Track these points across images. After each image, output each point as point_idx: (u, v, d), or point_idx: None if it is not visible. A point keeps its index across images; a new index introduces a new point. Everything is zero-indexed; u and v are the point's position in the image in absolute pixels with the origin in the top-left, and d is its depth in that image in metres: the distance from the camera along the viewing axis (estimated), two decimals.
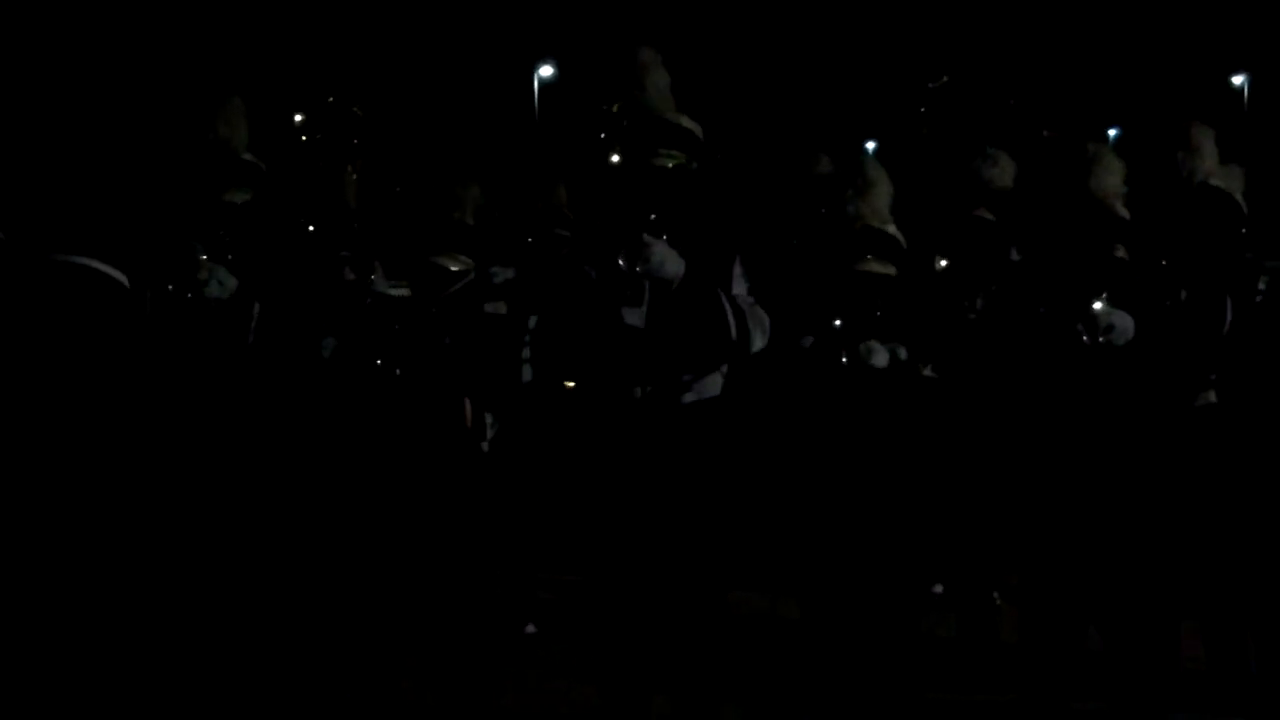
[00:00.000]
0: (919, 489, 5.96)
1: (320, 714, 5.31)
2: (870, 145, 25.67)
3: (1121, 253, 5.33)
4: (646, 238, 4.58)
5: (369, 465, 5.95)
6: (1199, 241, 5.41)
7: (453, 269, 6.44)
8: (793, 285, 6.33)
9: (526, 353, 6.33)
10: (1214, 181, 5.54)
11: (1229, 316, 5.34)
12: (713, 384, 4.74)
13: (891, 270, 5.84)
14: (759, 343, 4.74)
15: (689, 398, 4.68)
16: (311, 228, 6.23)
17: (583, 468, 4.86)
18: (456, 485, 6.22)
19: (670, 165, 4.68)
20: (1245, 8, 28.68)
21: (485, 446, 6.44)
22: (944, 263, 6.65)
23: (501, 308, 6.55)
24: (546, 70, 29.25)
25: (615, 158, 4.68)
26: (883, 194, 5.95)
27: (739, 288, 4.74)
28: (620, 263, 4.56)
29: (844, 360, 5.73)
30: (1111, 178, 5.39)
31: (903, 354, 5.89)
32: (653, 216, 4.63)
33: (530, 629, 6.58)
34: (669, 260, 4.57)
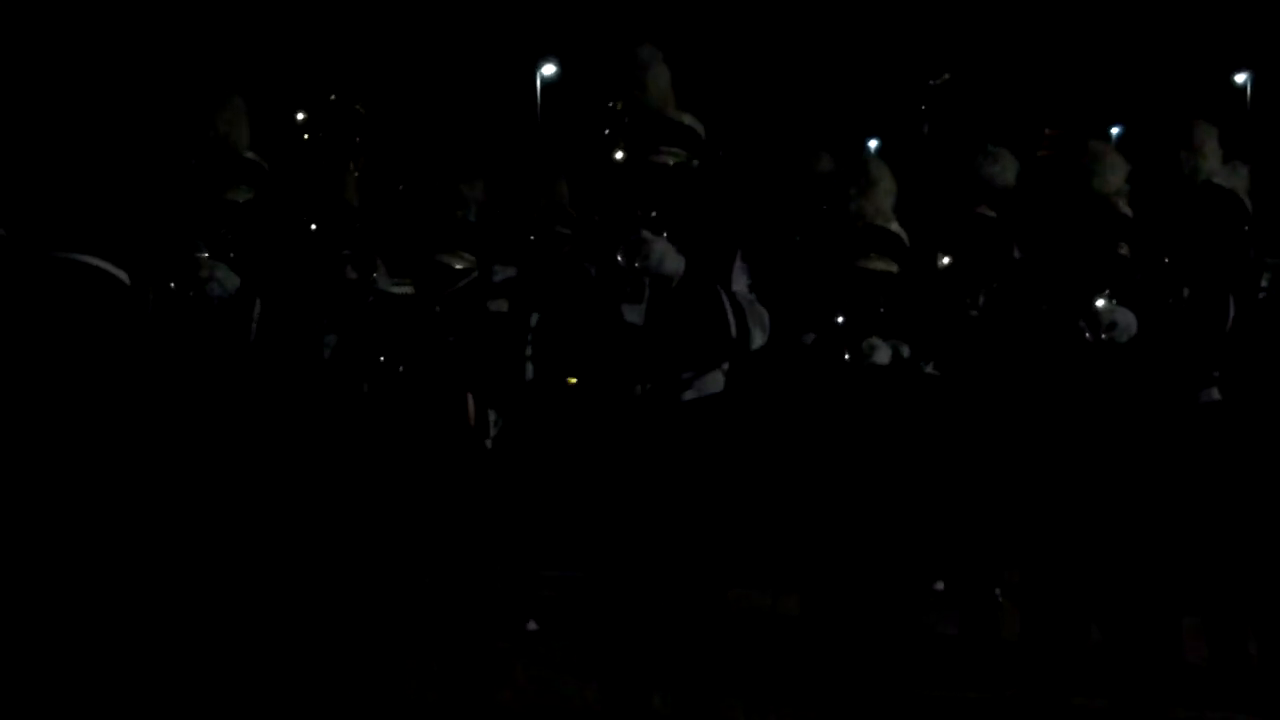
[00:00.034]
0: (921, 486, 5.96)
1: (322, 711, 5.31)
2: (873, 143, 25.67)
3: (1124, 250, 5.33)
4: (646, 234, 4.58)
5: (372, 463, 5.96)
6: (1201, 239, 5.41)
7: (457, 267, 6.44)
8: (795, 282, 6.33)
9: (529, 350, 6.33)
10: (1216, 179, 5.54)
11: (1231, 314, 5.34)
12: (714, 381, 4.74)
13: (894, 268, 5.84)
14: (759, 340, 4.74)
15: (690, 395, 4.68)
16: (313, 226, 6.23)
17: (585, 465, 4.86)
18: (459, 483, 6.22)
19: (671, 163, 4.68)
20: (1247, 6, 28.66)
21: (488, 444, 6.44)
22: (946, 260, 6.65)
23: (504, 306, 6.55)
24: (549, 69, 29.24)
25: (617, 155, 4.68)
26: (885, 192, 5.96)
27: (739, 285, 4.74)
28: (619, 259, 4.56)
29: (846, 357, 5.73)
30: (1114, 176, 5.39)
31: (905, 351, 5.90)
32: (653, 214, 4.63)
33: (532, 626, 6.58)
34: (668, 257, 4.57)
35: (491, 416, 6.37)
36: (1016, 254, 6.63)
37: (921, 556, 6.32)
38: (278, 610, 5.42)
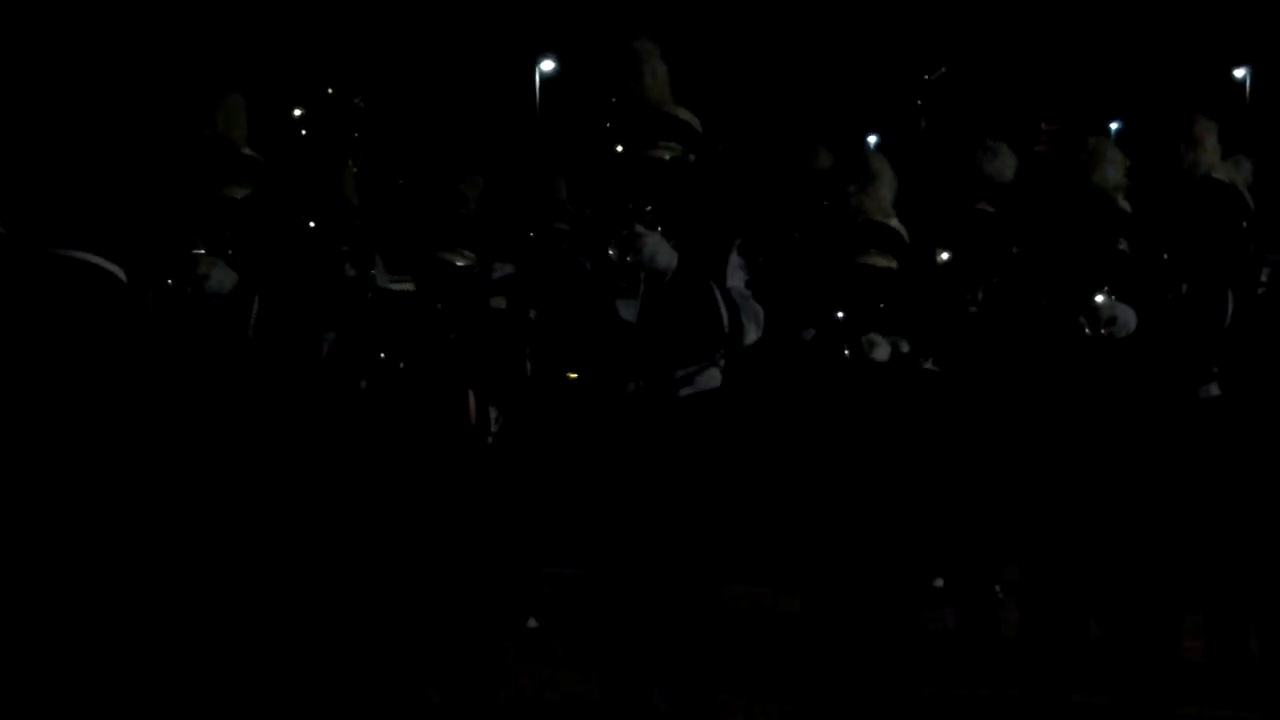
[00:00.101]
0: (920, 483, 5.96)
1: (323, 708, 5.31)
2: (872, 139, 25.68)
3: (1123, 246, 5.33)
4: (639, 229, 4.57)
5: (371, 460, 5.95)
6: (1200, 235, 5.40)
7: (458, 264, 6.43)
8: (795, 278, 6.33)
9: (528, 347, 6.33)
10: (1216, 174, 5.54)
11: (1230, 309, 5.34)
12: (711, 377, 4.73)
13: (893, 263, 5.83)
14: (752, 335, 4.73)
15: (688, 390, 4.67)
16: (312, 223, 6.22)
17: (585, 462, 4.85)
18: (459, 480, 6.21)
19: (667, 157, 4.67)
20: (1247, 1, 28.66)
21: (489, 441, 6.43)
22: (945, 256, 6.64)
23: (503, 303, 6.55)
24: (548, 65, 29.24)
25: (614, 149, 4.67)
26: (885, 188, 5.95)
27: (736, 280, 4.73)
28: (611, 253, 4.55)
29: (846, 353, 5.72)
30: (1113, 171, 5.39)
31: (904, 347, 5.89)
32: (648, 209, 4.62)
33: (532, 623, 6.58)
34: (661, 252, 4.56)
35: (493, 414, 6.36)
36: (1015, 250, 6.62)
37: (921, 553, 6.31)
38: (278, 608, 5.41)
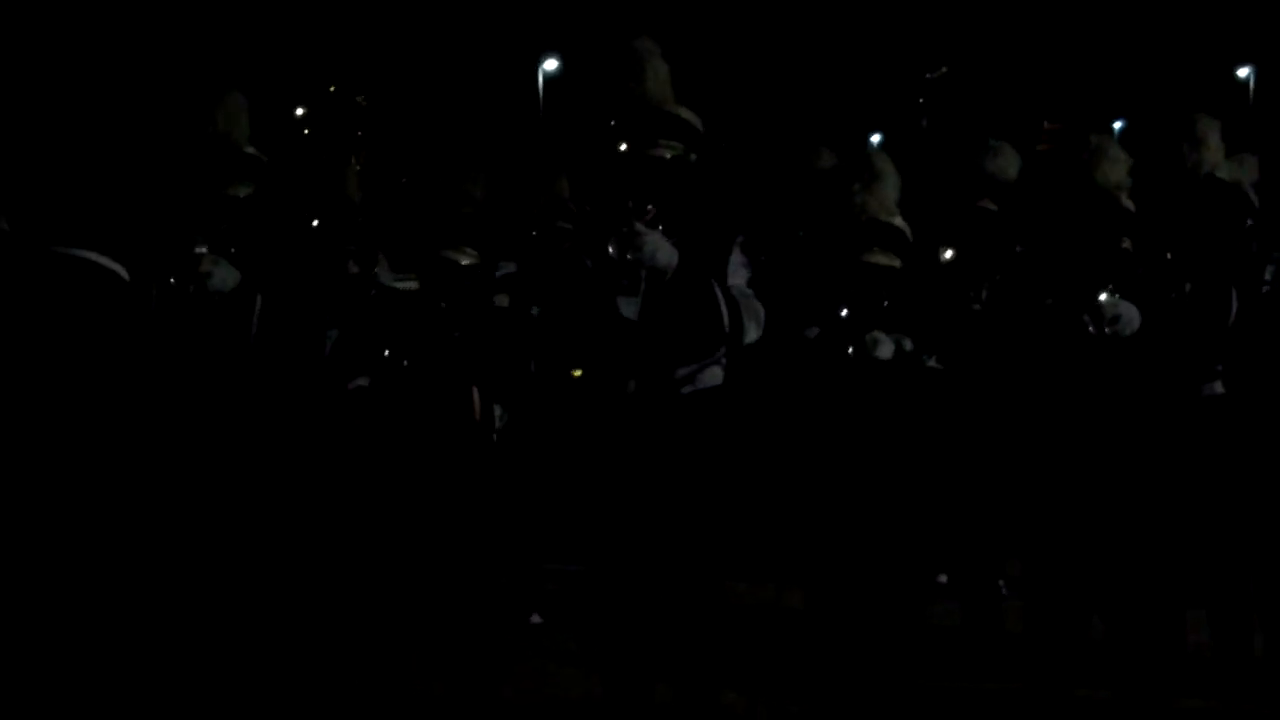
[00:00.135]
0: (924, 479, 5.96)
1: (326, 705, 5.31)
2: (875, 138, 25.68)
3: (1127, 244, 5.33)
4: (639, 227, 4.57)
5: (375, 457, 5.96)
6: (1204, 233, 5.40)
7: (462, 262, 6.43)
8: (799, 276, 6.33)
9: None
10: (1219, 173, 5.54)
11: (1234, 307, 5.34)
12: (713, 375, 4.74)
13: (897, 262, 5.84)
14: (753, 334, 4.74)
15: (691, 389, 4.68)
16: (315, 221, 6.22)
17: (588, 459, 4.86)
18: (463, 477, 6.22)
19: (668, 156, 4.67)
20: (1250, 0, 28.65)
21: (494, 437, 6.44)
22: (949, 254, 6.65)
23: (505, 301, 6.56)
24: (551, 64, 29.23)
25: (615, 148, 4.67)
26: (889, 186, 5.96)
27: (738, 279, 4.74)
28: (611, 251, 4.55)
29: (849, 351, 5.73)
30: (1117, 170, 5.39)
31: (908, 345, 5.90)
32: (649, 207, 4.62)
33: (536, 619, 6.58)
34: (661, 250, 4.56)
35: (497, 411, 6.37)
36: (1019, 248, 6.63)
37: (925, 549, 6.32)
38: (281, 605, 5.42)
